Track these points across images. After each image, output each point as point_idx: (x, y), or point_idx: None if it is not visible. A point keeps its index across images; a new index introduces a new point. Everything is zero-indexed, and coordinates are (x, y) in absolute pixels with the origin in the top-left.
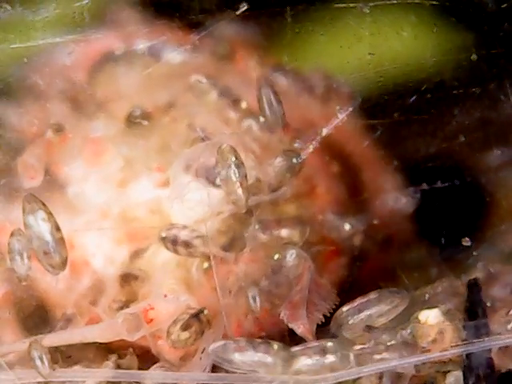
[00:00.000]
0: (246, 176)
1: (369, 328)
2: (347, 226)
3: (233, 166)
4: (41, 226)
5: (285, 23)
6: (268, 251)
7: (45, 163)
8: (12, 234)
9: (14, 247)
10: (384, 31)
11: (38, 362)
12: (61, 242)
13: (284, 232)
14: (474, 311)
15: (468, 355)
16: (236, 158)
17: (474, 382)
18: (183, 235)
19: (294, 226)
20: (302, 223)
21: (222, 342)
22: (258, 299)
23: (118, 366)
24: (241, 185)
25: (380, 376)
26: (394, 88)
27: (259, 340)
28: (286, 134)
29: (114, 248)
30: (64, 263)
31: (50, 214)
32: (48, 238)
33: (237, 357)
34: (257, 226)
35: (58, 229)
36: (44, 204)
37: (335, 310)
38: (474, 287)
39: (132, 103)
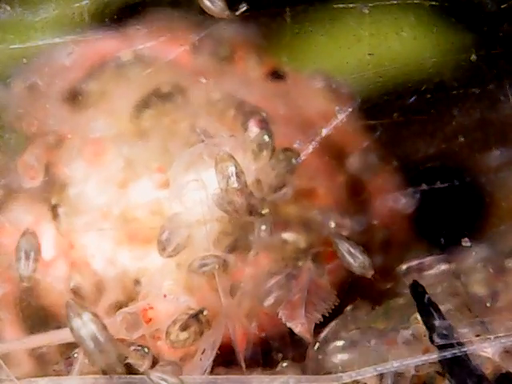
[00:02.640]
0: (245, 183)
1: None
2: (332, 224)
3: (232, 175)
4: (90, 326)
5: (284, 24)
6: (271, 254)
7: (45, 163)
8: (23, 234)
9: (21, 247)
10: (383, 32)
11: None
12: (113, 340)
13: (288, 236)
14: (426, 314)
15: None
16: (235, 167)
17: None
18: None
19: (298, 231)
20: (307, 228)
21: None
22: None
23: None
24: (241, 193)
25: (381, 377)
26: (393, 88)
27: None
28: None
29: (115, 249)
30: (121, 361)
31: (95, 314)
32: (100, 336)
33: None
34: (263, 227)
35: (105, 328)
36: (86, 306)
37: (334, 311)
38: (417, 291)
39: (132, 104)
